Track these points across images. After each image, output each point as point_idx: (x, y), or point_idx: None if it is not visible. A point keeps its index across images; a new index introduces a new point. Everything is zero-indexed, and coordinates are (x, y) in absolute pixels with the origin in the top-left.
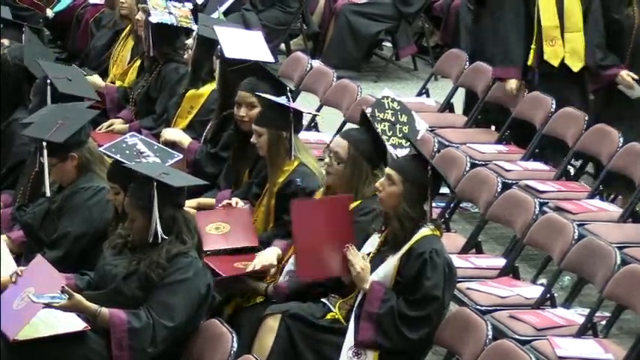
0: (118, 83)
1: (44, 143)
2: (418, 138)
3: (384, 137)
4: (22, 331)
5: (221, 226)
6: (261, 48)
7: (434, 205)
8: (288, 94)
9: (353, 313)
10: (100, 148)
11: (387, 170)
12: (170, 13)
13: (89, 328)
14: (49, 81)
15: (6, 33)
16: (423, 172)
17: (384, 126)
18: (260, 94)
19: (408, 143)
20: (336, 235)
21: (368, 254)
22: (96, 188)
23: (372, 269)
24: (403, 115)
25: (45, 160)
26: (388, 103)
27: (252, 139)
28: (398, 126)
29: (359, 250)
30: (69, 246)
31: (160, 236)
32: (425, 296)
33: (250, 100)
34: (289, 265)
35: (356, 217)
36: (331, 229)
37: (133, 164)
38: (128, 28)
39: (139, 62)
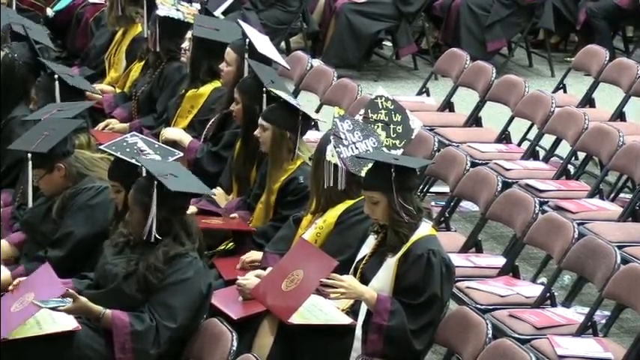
0: (117, 90)
1: (29, 155)
2: (412, 137)
3: (378, 139)
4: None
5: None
6: (273, 51)
7: (434, 204)
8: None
9: (360, 327)
10: (101, 146)
11: (365, 194)
12: (178, 10)
13: (80, 328)
14: (56, 76)
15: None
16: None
17: (378, 127)
18: (272, 90)
19: (402, 143)
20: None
21: (364, 257)
22: (98, 188)
23: (370, 271)
24: (397, 115)
25: (29, 171)
26: (382, 102)
27: (255, 132)
28: (392, 126)
29: (357, 252)
30: (72, 246)
31: (153, 235)
32: (427, 300)
33: (236, 94)
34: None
35: (351, 217)
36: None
37: (142, 159)
38: (120, 31)
39: (137, 66)
